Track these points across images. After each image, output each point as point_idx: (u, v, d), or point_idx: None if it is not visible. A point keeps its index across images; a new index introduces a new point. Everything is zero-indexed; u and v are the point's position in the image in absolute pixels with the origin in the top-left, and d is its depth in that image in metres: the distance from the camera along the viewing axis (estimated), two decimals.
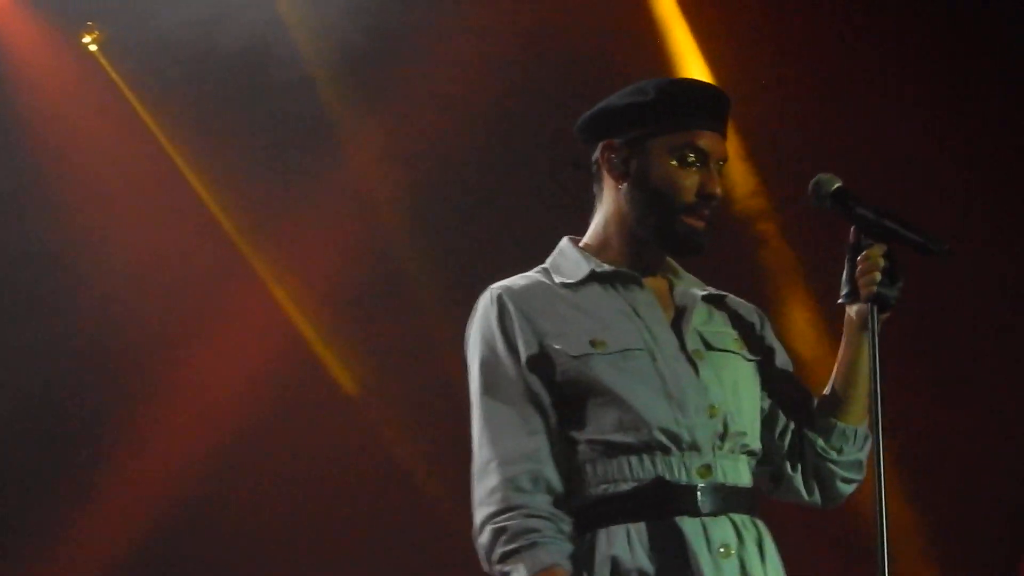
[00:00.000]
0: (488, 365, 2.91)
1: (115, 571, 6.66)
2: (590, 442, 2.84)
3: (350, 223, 6.51)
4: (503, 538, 2.77)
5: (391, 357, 6.62)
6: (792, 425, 3.04)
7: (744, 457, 2.93)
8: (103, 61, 6.42)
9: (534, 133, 5.99)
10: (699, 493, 2.84)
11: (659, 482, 2.84)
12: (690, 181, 2.94)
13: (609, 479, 2.84)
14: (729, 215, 6.23)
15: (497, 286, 2.97)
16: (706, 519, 2.82)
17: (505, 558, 2.77)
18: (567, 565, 2.76)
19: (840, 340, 3.04)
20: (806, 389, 3.10)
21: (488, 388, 2.90)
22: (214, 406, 6.62)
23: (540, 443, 2.84)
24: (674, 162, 2.95)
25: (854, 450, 3.07)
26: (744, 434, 2.92)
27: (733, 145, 6.00)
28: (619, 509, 2.83)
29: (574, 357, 2.85)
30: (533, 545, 2.75)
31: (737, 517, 2.86)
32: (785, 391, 3.07)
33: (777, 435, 3.03)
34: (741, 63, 6.20)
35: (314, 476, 6.56)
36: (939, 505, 6.08)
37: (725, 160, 3.00)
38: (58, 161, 6.46)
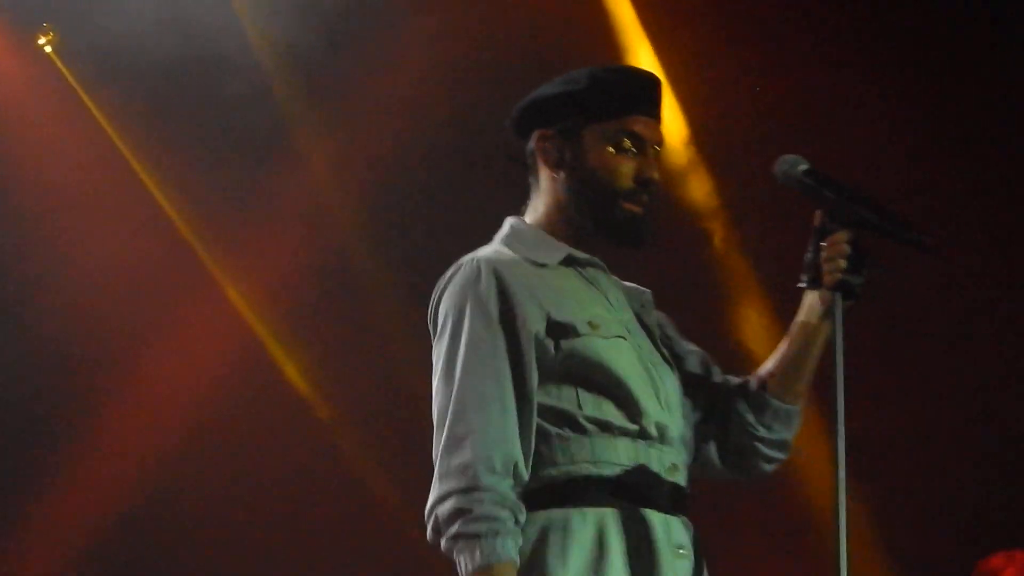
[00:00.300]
0: (477, 336, 2.80)
1: (70, 568, 6.68)
2: (590, 420, 2.80)
3: (306, 227, 6.54)
4: (466, 518, 2.69)
5: (346, 360, 6.63)
6: (711, 407, 3.00)
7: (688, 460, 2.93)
8: (59, 63, 6.40)
9: (490, 137, 6.01)
10: (667, 489, 2.83)
11: (643, 470, 2.82)
12: (627, 167, 2.92)
13: (596, 459, 2.79)
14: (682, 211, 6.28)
15: (484, 258, 2.88)
16: (668, 517, 2.81)
17: (461, 538, 2.70)
18: (518, 562, 2.71)
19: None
20: (716, 369, 3.06)
21: (473, 359, 2.80)
22: (170, 408, 6.65)
23: (517, 425, 2.76)
24: (610, 149, 2.92)
25: (783, 429, 3.02)
26: (692, 437, 2.95)
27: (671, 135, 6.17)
28: (598, 491, 2.78)
29: (580, 335, 2.81)
30: (495, 534, 2.69)
31: (686, 519, 2.86)
32: (703, 383, 3.04)
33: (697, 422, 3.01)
34: (696, 61, 6.23)
35: (267, 477, 6.57)
36: (894, 505, 6.12)
37: (661, 145, 2.97)
38: (12, 163, 6.44)
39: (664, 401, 2.87)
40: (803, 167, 2.93)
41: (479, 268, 2.86)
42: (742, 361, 3.39)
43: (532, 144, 2.98)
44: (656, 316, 3.04)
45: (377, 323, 6.45)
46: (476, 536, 2.68)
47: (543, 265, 2.90)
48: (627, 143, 2.92)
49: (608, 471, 2.79)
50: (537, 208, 2.99)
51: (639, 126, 2.94)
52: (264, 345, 6.78)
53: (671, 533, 2.80)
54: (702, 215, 6.43)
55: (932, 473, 6.06)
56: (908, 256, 2.87)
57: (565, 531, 2.75)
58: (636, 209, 2.92)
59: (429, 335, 2.92)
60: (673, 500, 2.84)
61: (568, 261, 2.92)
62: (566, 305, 2.85)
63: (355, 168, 6.48)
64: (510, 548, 2.69)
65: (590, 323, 2.84)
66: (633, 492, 2.79)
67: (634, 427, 2.82)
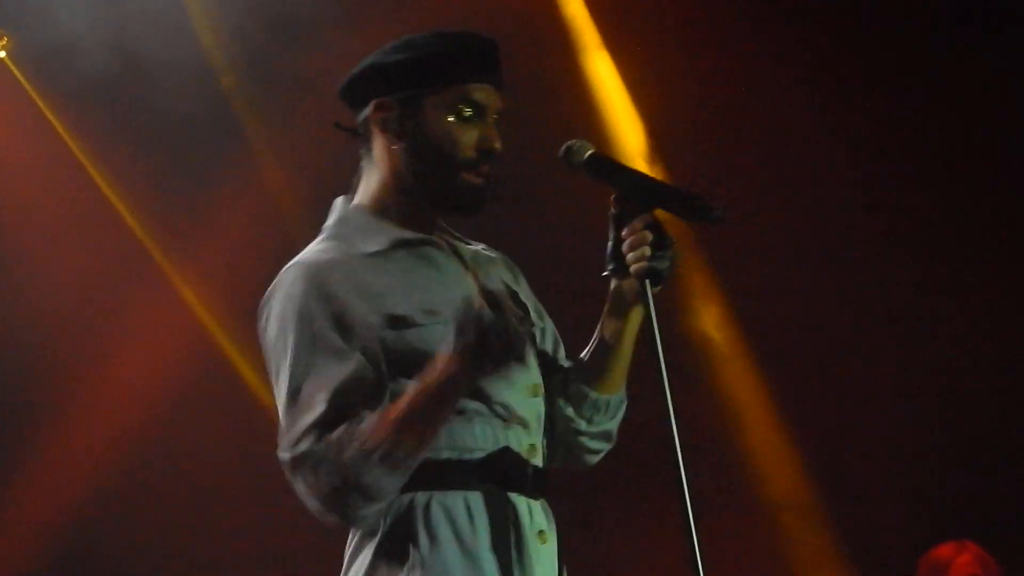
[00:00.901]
0: (312, 341, 2.71)
1: (31, 562, 6.69)
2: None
3: (259, 225, 6.53)
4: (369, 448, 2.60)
5: None
6: (549, 396, 2.94)
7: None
8: (11, 67, 6.37)
9: None
10: (529, 472, 2.79)
11: (504, 452, 2.77)
12: (468, 137, 2.84)
13: (455, 445, 2.73)
14: None
15: (306, 262, 2.79)
16: (530, 500, 2.78)
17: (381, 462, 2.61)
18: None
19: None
20: (562, 354, 3.02)
21: (316, 358, 2.70)
22: (124, 402, 6.65)
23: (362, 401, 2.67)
24: (451, 118, 2.84)
25: (605, 419, 2.99)
26: (548, 415, 2.91)
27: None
28: (461, 474, 2.73)
29: (418, 325, 2.73)
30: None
31: (545, 502, 2.83)
32: (552, 357, 2.99)
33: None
34: (652, 63, 6.27)
35: (219, 469, 6.59)
36: (846, 497, 6.19)
37: (501, 112, 2.89)
38: None
39: (516, 381, 2.80)
40: (588, 152, 2.87)
41: (297, 279, 2.76)
42: None
43: (368, 113, 2.89)
44: (525, 287, 3.01)
45: None
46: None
47: (373, 254, 2.81)
48: (468, 111, 2.85)
49: (468, 455, 2.74)
50: (370, 183, 2.91)
51: (479, 93, 2.86)
52: (216, 340, 6.81)
53: (533, 517, 2.77)
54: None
55: (880, 469, 6.13)
56: (718, 224, 2.79)
57: (429, 515, 2.70)
58: (476, 180, 2.85)
59: None
60: (534, 483, 2.79)
61: (399, 244, 2.83)
62: (400, 295, 2.77)
63: (311, 165, 6.48)
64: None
65: (427, 311, 2.76)
66: (496, 475, 2.74)
67: (487, 409, 2.76)
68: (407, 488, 2.67)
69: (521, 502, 2.76)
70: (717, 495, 6.02)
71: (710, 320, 6.35)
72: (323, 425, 2.63)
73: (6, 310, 6.48)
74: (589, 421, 2.97)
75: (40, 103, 6.44)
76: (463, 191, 2.85)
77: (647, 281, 2.75)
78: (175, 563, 6.68)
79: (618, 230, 2.81)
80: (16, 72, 6.38)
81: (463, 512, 2.72)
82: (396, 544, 2.69)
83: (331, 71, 6.14)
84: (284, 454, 2.67)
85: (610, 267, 2.85)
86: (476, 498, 2.73)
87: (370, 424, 2.62)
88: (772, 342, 6.27)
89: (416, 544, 2.68)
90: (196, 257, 6.72)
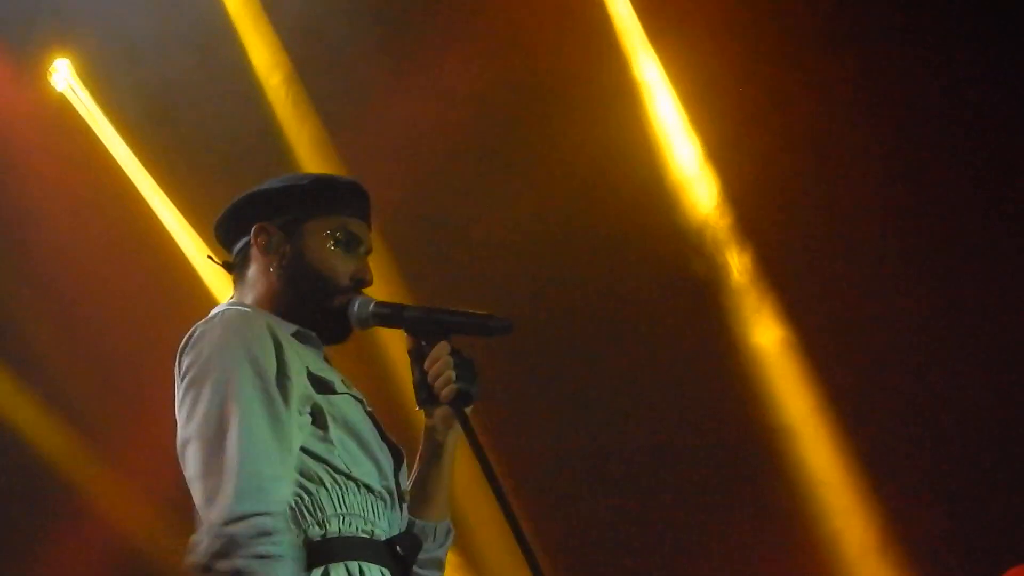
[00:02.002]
0: (254, 378, 2.75)
1: None
2: (352, 477, 2.81)
3: None
4: (270, 539, 2.62)
5: None
6: None
7: None
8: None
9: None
10: (410, 550, 2.91)
11: (396, 532, 2.90)
12: (344, 265, 2.98)
13: (358, 515, 2.81)
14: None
15: (246, 310, 2.91)
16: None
17: (266, 559, 2.62)
18: None
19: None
20: None
21: (251, 397, 2.74)
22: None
23: (290, 467, 2.75)
24: (330, 244, 2.98)
25: (434, 547, 3.05)
26: None
27: None
28: (366, 548, 2.80)
29: (339, 392, 2.87)
30: (289, 559, 2.66)
31: None
32: None
33: None
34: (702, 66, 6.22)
35: None
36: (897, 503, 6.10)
37: (370, 251, 3.05)
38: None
39: (383, 463, 2.91)
40: (371, 305, 2.98)
41: (242, 317, 2.87)
42: None
43: (248, 238, 3.00)
44: None
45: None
46: (280, 557, 2.62)
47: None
48: (344, 240, 3.00)
49: (378, 531, 2.84)
50: (247, 298, 2.99)
51: (355, 226, 3.02)
52: None
53: None
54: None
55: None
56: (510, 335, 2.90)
57: None
58: (346, 299, 2.98)
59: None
60: (408, 562, 2.89)
61: (297, 335, 2.91)
62: (318, 364, 2.89)
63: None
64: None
65: (343, 382, 2.91)
66: (388, 551, 2.84)
67: (384, 492, 2.87)
68: (328, 559, 2.74)
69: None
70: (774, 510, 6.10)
71: (762, 328, 6.31)
72: (247, 498, 2.64)
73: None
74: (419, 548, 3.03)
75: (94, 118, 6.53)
76: (336, 312, 2.96)
77: (459, 404, 2.90)
78: None
79: (419, 364, 2.94)
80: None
81: None
82: None
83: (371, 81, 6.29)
84: (224, 514, 2.62)
85: (421, 399, 2.95)
86: (387, 572, 2.82)
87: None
88: (826, 346, 6.23)
89: None
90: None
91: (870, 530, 6.15)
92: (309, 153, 6.49)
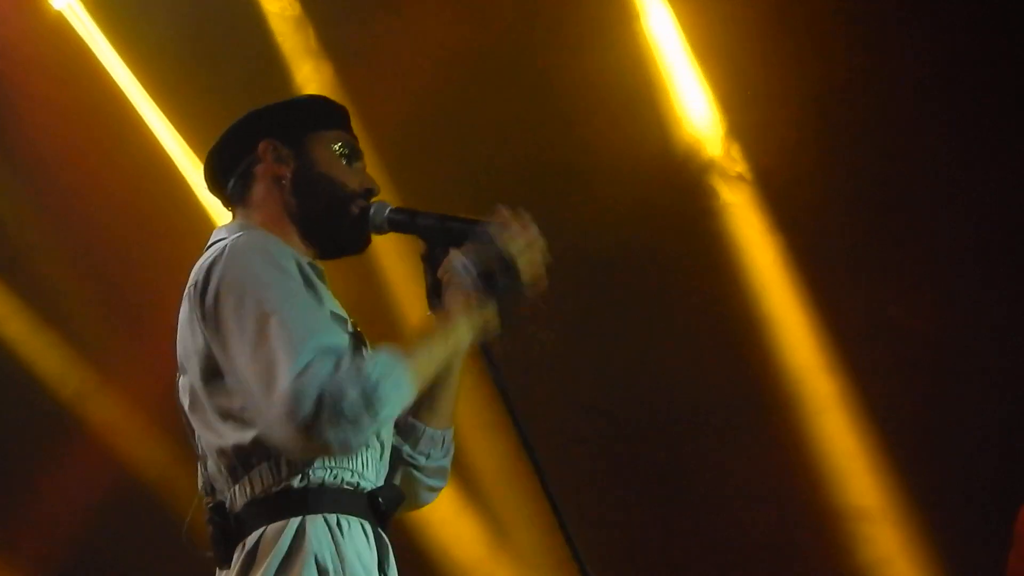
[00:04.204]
0: (291, 284, 2.77)
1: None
2: None
3: None
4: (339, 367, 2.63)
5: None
6: None
7: None
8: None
9: None
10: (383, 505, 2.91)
11: (386, 483, 2.94)
12: (352, 175, 3.03)
13: (346, 467, 2.81)
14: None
15: (261, 231, 2.92)
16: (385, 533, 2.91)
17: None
18: None
19: None
20: None
21: (290, 297, 2.75)
22: None
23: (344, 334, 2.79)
24: (335, 154, 3.03)
25: (440, 455, 3.08)
26: None
27: None
28: (355, 502, 2.81)
29: (350, 332, 2.88)
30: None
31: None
32: None
33: None
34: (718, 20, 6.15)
35: None
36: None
37: (364, 165, 3.08)
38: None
39: None
40: (387, 210, 3.03)
41: (265, 235, 2.89)
42: None
43: (252, 157, 3.01)
44: None
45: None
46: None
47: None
48: (348, 150, 3.05)
49: (364, 483, 2.84)
50: (255, 221, 2.99)
51: (353, 141, 3.09)
52: None
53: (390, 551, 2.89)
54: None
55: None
56: None
57: (335, 533, 2.76)
58: (358, 211, 3.02)
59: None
60: (388, 515, 2.91)
61: (309, 267, 2.92)
62: (330, 300, 2.90)
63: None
64: None
65: (353, 323, 2.93)
66: (376, 505, 2.85)
67: (376, 441, 2.88)
68: (306, 510, 2.75)
69: (382, 534, 2.88)
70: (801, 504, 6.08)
71: (792, 333, 6.21)
72: (330, 349, 2.66)
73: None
74: (428, 456, 3.07)
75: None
76: (353, 219, 3.00)
77: (488, 347, 2.93)
78: None
79: (432, 270, 2.96)
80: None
81: (360, 535, 2.80)
82: (303, 559, 2.71)
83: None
84: (296, 363, 2.62)
85: (433, 304, 2.95)
86: (367, 525, 2.83)
87: (380, 352, 2.72)
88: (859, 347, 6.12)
89: (329, 557, 2.73)
90: None
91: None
92: (311, 83, 6.46)
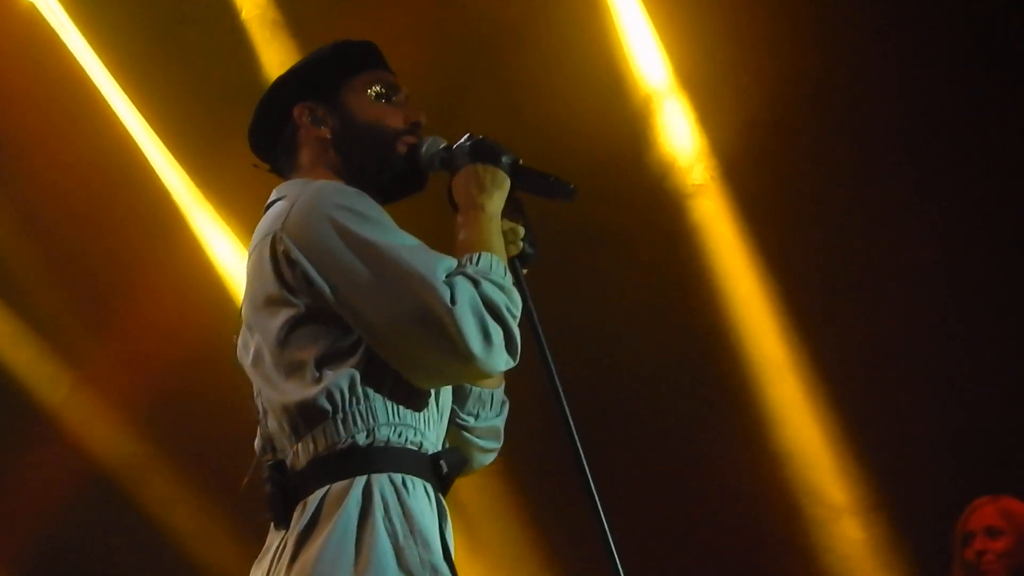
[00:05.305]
0: (389, 222, 2.79)
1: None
2: (415, 389, 2.78)
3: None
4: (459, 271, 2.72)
5: None
6: None
7: None
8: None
9: None
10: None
11: (451, 448, 2.93)
12: (394, 113, 3.00)
13: (410, 426, 2.79)
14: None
15: (331, 181, 2.91)
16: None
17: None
18: None
19: None
20: None
21: (386, 232, 2.76)
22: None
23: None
24: (371, 98, 2.99)
25: (491, 415, 3.06)
26: None
27: None
28: (409, 461, 2.77)
29: None
30: None
31: None
32: None
33: None
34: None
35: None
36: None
37: (409, 96, 3.05)
38: None
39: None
40: (441, 145, 3.00)
41: (346, 188, 2.84)
42: None
43: (292, 122, 2.98)
44: None
45: None
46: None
47: None
48: (384, 89, 3.00)
49: (426, 444, 2.82)
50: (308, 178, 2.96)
51: (388, 76, 3.04)
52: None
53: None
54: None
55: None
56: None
57: (410, 494, 2.74)
58: (410, 142, 2.99)
59: None
60: (450, 479, 2.88)
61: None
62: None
63: None
64: None
65: None
66: (432, 467, 2.81)
67: (435, 403, 2.86)
68: (372, 468, 2.71)
69: (441, 499, 2.84)
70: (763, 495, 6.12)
71: (757, 323, 6.25)
72: (452, 269, 2.72)
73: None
74: (476, 417, 3.03)
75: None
76: (401, 161, 2.97)
77: (517, 262, 2.93)
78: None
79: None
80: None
81: (423, 496, 2.76)
82: (371, 518, 2.68)
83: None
84: (444, 295, 2.65)
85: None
86: (429, 488, 2.79)
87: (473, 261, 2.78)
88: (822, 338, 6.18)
89: (396, 517, 2.69)
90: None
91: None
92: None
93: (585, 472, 2.82)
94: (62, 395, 6.74)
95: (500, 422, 3.07)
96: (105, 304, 6.64)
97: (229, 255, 6.67)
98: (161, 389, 6.49)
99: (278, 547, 2.71)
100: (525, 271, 2.92)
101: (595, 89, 6.15)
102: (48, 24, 6.42)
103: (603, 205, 5.85)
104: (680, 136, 6.24)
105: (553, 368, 2.89)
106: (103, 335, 6.63)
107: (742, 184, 6.22)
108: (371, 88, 2.99)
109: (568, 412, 2.86)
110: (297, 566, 2.64)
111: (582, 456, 2.82)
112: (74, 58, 6.47)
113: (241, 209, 6.52)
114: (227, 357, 6.21)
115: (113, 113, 6.53)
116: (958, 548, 4.95)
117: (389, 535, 2.64)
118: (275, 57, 6.35)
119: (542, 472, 5.74)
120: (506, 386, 3.09)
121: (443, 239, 2.83)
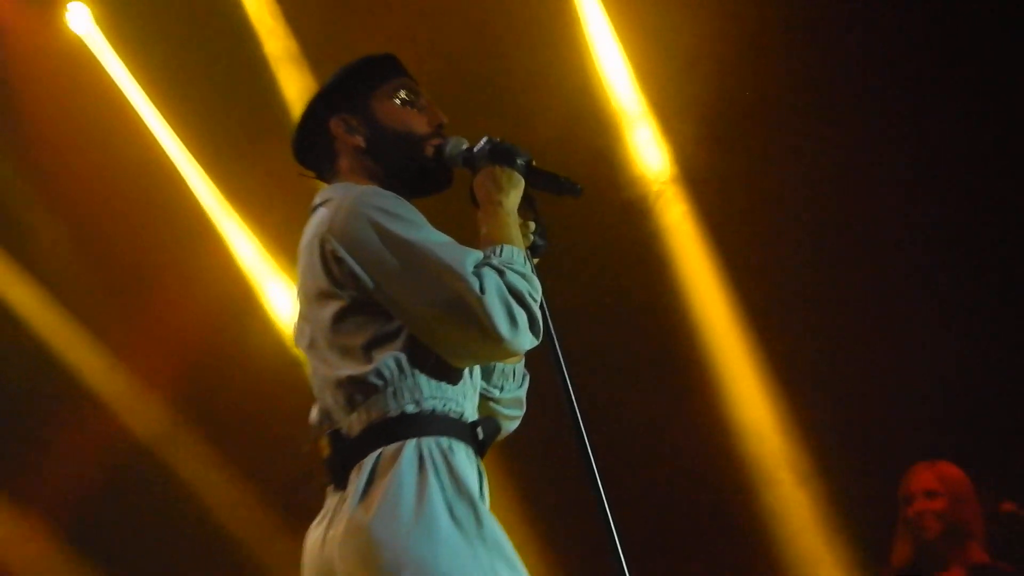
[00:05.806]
0: (421, 219, 2.96)
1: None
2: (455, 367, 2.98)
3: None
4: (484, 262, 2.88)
5: None
6: None
7: None
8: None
9: None
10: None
11: (487, 416, 3.15)
12: (418, 117, 3.20)
13: (451, 399, 2.98)
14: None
15: (371, 185, 3.08)
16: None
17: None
18: None
19: None
20: None
21: (420, 228, 2.95)
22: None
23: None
24: (396, 104, 3.19)
25: (514, 386, 3.27)
26: None
27: None
28: (452, 426, 2.97)
29: None
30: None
31: None
32: None
33: None
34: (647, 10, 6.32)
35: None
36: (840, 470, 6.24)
37: (430, 100, 3.25)
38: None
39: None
40: (464, 145, 3.21)
41: (375, 189, 3.04)
42: None
43: (330, 132, 3.18)
44: None
45: None
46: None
47: None
48: (408, 96, 3.21)
49: (466, 414, 3.03)
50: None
51: (410, 82, 3.24)
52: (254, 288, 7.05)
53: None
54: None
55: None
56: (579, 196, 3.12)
57: (459, 456, 2.95)
58: (437, 144, 3.20)
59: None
60: (486, 445, 3.09)
61: None
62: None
63: None
64: None
65: None
66: (471, 434, 3.03)
67: (468, 377, 3.07)
68: (420, 432, 2.92)
69: (479, 462, 3.05)
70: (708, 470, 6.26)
71: (706, 297, 6.38)
72: (479, 260, 2.94)
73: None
74: (501, 389, 3.26)
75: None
76: (429, 162, 3.17)
77: (529, 254, 3.11)
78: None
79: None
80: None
81: (465, 457, 2.97)
82: (423, 474, 2.87)
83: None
84: (474, 285, 2.85)
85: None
86: (470, 451, 3.00)
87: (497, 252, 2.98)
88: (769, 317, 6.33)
89: (444, 474, 2.89)
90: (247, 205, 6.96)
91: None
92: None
93: (593, 470, 3.02)
94: (100, 370, 7.01)
95: (522, 392, 3.28)
96: (139, 295, 6.88)
97: (249, 251, 6.92)
98: (189, 369, 6.84)
99: (337, 505, 2.92)
100: (536, 260, 3.12)
101: (565, 105, 6.27)
102: (92, 53, 6.72)
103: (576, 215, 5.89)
104: (646, 148, 6.37)
105: (559, 350, 3.07)
106: (139, 322, 6.85)
107: (704, 194, 6.35)
108: (396, 95, 3.18)
109: (576, 407, 3.05)
110: (358, 517, 2.84)
111: (590, 454, 3.02)
112: (112, 80, 6.77)
113: (259, 211, 6.81)
114: (246, 341, 6.54)
115: (147, 127, 6.84)
116: (901, 508, 5.20)
117: (440, 489, 2.85)
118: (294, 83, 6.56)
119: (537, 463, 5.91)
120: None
121: (465, 228, 3.06)
